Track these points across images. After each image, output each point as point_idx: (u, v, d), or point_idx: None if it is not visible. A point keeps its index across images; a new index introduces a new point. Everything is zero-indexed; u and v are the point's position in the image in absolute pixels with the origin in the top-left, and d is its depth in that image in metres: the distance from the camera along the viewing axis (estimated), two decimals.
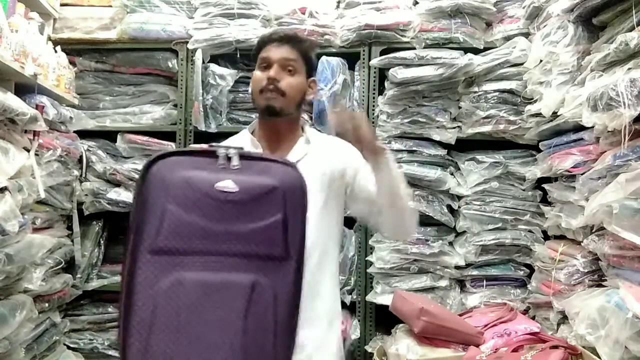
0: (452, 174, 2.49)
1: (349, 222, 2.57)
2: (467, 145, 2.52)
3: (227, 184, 1.02)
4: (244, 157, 1.06)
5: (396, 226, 1.39)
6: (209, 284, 0.99)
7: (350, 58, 2.57)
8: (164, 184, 1.01)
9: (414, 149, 2.46)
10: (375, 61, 2.48)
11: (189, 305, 0.97)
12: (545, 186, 2.20)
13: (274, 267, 1.02)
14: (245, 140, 1.40)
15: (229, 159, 1.04)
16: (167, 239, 0.99)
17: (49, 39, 2.42)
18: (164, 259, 0.99)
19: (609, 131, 1.55)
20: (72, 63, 2.51)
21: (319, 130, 1.67)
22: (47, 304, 2.18)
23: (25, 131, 1.95)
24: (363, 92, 2.54)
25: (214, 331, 0.97)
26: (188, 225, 0.99)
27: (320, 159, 1.38)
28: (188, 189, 1.00)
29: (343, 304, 1.83)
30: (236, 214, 1.01)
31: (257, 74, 1.36)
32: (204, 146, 1.08)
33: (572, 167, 1.84)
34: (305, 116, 2.56)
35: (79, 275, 2.49)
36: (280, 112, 1.34)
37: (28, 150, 1.92)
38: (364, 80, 2.54)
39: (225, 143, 1.42)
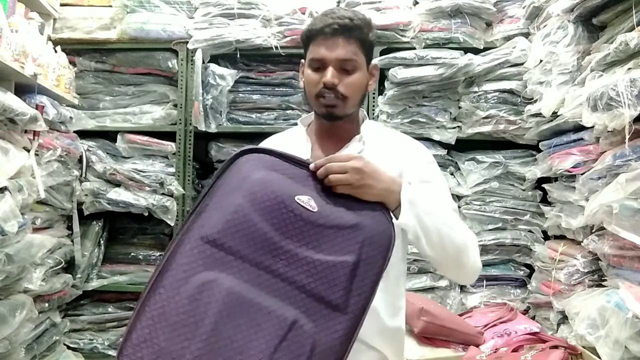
0: (452, 174, 2.49)
1: None
2: (467, 145, 2.52)
3: (308, 201, 0.93)
4: None
5: (443, 268, 1.16)
6: (245, 301, 0.86)
7: None
8: (244, 177, 0.93)
9: None
10: (375, 61, 2.47)
11: (213, 313, 0.85)
12: (545, 186, 2.21)
13: (325, 314, 0.88)
14: (300, 136, 1.25)
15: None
16: (224, 232, 0.89)
17: (49, 39, 2.42)
18: (213, 251, 0.89)
19: (609, 131, 1.55)
20: (72, 63, 2.51)
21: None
22: (47, 304, 2.18)
23: (25, 131, 1.95)
24: None
25: (227, 356, 0.83)
26: (252, 227, 0.90)
27: (373, 160, 1.14)
28: (267, 190, 0.92)
29: None
30: (306, 236, 0.91)
31: (310, 75, 1.16)
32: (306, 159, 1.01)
33: (572, 167, 1.84)
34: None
35: (79, 275, 2.49)
36: (342, 117, 1.18)
37: (28, 150, 1.92)
38: None
39: (277, 138, 1.31)
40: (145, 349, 0.84)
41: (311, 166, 0.98)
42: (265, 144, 1.30)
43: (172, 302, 0.86)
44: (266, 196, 0.91)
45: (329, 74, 1.13)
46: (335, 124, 1.21)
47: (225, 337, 0.84)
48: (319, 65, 1.15)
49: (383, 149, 1.20)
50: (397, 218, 1.02)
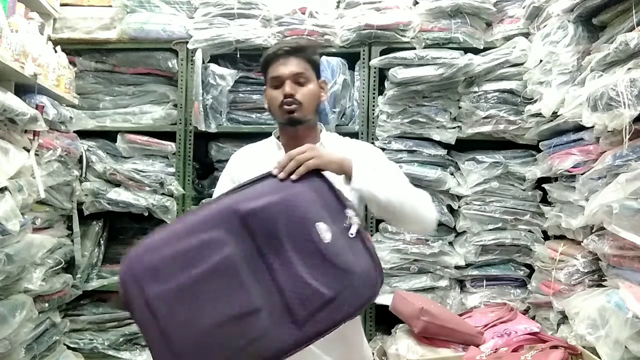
0: (452, 174, 2.49)
1: None
2: (467, 145, 2.52)
3: (325, 231, 1.05)
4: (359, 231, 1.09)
5: (404, 223, 1.36)
6: (234, 270, 1.01)
7: (350, 58, 2.57)
8: (292, 186, 1.09)
9: (414, 149, 2.45)
10: (375, 61, 2.48)
11: (203, 266, 1.01)
12: (545, 186, 2.21)
13: (284, 320, 1.01)
14: (271, 145, 1.47)
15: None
16: (251, 213, 1.04)
17: (49, 39, 2.41)
18: (235, 222, 1.04)
19: (609, 131, 1.55)
20: (72, 63, 2.51)
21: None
22: (47, 304, 2.18)
23: (25, 131, 1.95)
24: (363, 92, 2.54)
25: (197, 303, 1.00)
26: (273, 224, 1.04)
27: None
28: (300, 205, 1.06)
29: None
30: (307, 256, 1.03)
31: (271, 92, 1.41)
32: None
33: (572, 167, 1.84)
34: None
35: (79, 275, 2.49)
36: (302, 120, 1.40)
37: (28, 150, 1.92)
38: (364, 80, 2.54)
39: (252, 147, 1.51)
40: (148, 255, 1.03)
41: (274, 170, 1.10)
42: (240, 152, 1.51)
43: (184, 238, 1.03)
44: (297, 210, 1.05)
45: (287, 86, 1.38)
46: (296, 129, 1.41)
47: (202, 289, 1.00)
48: (278, 83, 1.39)
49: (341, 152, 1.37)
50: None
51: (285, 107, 1.38)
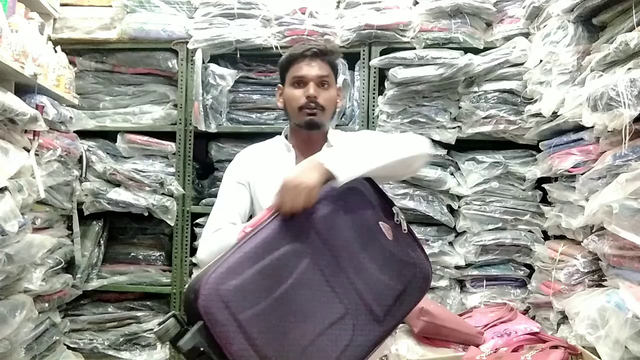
0: (452, 174, 2.49)
1: None
2: (467, 145, 2.52)
3: (387, 230, 1.13)
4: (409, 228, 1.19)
5: (407, 170, 1.31)
6: (316, 279, 1.04)
7: (350, 58, 2.57)
8: (358, 192, 1.13)
9: None
10: (375, 61, 2.47)
11: (290, 279, 1.01)
12: (545, 186, 2.21)
13: (366, 320, 1.06)
14: (280, 146, 1.45)
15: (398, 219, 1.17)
16: (322, 220, 1.06)
17: (49, 39, 2.42)
18: (310, 231, 1.05)
19: (609, 131, 1.55)
20: (72, 63, 2.50)
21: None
22: (47, 304, 2.18)
23: (25, 131, 1.95)
24: (363, 92, 2.54)
25: (296, 318, 1.00)
26: (338, 229, 1.08)
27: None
28: (367, 207, 1.12)
29: None
30: (377, 255, 1.10)
31: (293, 92, 1.39)
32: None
33: (572, 167, 1.84)
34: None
35: (79, 275, 2.49)
36: (320, 125, 1.39)
37: (28, 150, 1.92)
38: (364, 80, 2.54)
39: (258, 148, 1.49)
40: (231, 277, 0.96)
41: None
42: (246, 153, 1.47)
43: (262, 256, 1.00)
44: (359, 212, 1.11)
45: (311, 88, 1.36)
46: (312, 135, 1.40)
47: (293, 304, 1.00)
48: (301, 82, 1.38)
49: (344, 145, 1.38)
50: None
51: (307, 110, 1.36)
